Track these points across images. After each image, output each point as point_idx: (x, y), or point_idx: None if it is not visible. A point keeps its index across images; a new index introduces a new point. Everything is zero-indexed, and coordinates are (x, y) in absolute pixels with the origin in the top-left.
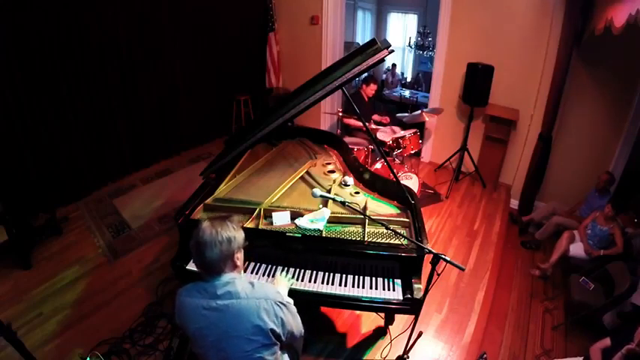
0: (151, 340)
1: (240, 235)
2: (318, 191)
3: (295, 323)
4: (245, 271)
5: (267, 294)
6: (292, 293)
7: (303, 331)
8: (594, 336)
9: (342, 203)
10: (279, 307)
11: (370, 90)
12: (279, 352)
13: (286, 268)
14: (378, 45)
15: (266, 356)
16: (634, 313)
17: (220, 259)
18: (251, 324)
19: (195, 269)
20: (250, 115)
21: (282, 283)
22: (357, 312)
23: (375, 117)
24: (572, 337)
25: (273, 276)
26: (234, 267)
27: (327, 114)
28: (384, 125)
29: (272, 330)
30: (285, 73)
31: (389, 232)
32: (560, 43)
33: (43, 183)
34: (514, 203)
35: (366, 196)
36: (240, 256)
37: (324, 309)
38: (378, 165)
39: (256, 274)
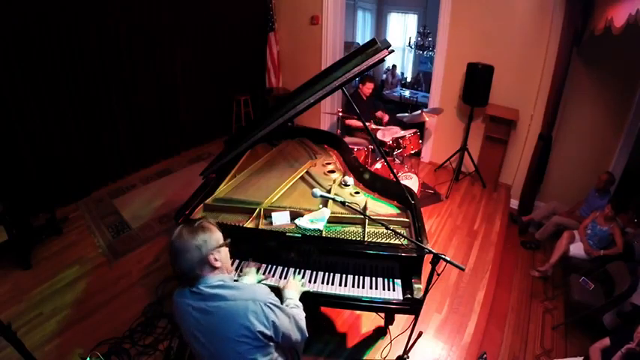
0: (151, 340)
1: (212, 237)
2: (318, 191)
3: (292, 327)
4: None
5: (256, 295)
6: None
7: (304, 336)
8: (594, 336)
9: (342, 203)
10: (270, 308)
11: (367, 89)
12: (276, 354)
13: (286, 268)
14: (378, 45)
15: (259, 358)
16: (634, 313)
17: (193, 267)
18: (239, 325)
19: None
20: (250, 115)
21: (294, 285)
22: (357, 312)
23: (378, 113)
24: (572, 337)
25: (273, 276)
26: (214, 269)
27: (327, 114)
28: (383, 124)
29: (260, 332)
30: (285, 73)
31: (389, 232)
32: (560, 43)
33: (43, 183)
34: (514, 203)
35: (366, 196)
36: (219, 257)
37: (324, 309)
38: (378, 165)
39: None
